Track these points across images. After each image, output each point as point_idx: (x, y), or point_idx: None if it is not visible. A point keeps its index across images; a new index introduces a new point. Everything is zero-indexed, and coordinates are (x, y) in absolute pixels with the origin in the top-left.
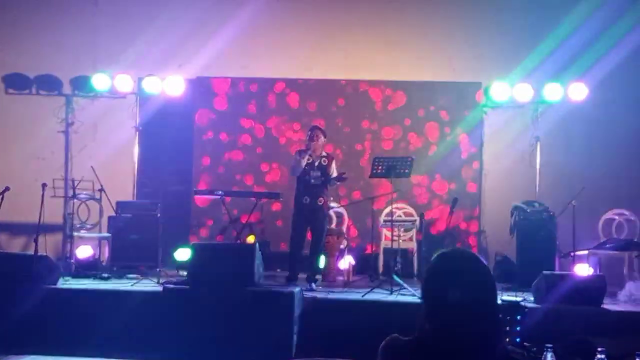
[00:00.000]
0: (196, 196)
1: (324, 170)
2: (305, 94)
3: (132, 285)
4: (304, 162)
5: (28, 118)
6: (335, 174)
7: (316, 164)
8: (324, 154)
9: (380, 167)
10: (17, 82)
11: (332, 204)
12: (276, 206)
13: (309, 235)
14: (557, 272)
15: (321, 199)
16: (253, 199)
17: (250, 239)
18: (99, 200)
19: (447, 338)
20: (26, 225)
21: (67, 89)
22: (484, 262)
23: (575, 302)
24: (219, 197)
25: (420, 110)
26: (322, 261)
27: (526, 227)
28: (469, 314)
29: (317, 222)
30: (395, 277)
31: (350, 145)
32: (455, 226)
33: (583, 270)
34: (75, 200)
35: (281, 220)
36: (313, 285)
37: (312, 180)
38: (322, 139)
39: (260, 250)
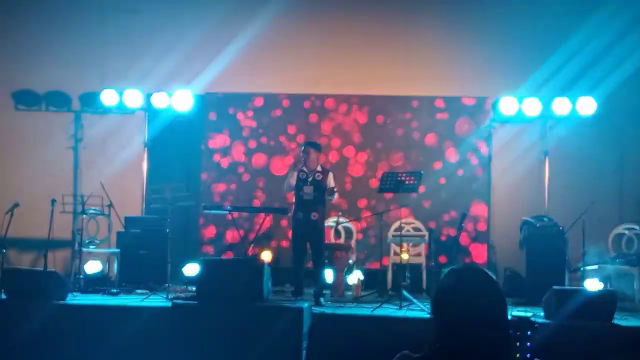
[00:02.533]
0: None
1: (318, 185)
2: (312, 109)
3: (141, 300)
4: (294, 178)
5: (37, 134)
6: (332, 186)
7: (309, 179)
8: (318, 168)
9: (389, 182)
10: (27, 99)
11: (342, 219)
12: (285, 221)
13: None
14: (567, 287)
15: (315, 214)
16: (261, 214)
17: (265, 256)
18: (108, 216)
19: (458, 355)
20: (35, 240)
21: (76, 105)
22: (494, 278)
23: (586, 318)
24: (228, 212)
25: (428, 125)
26: (328, 275)
27: (535, 242)
28: (479, 330)
29: (314, 236)
30: (404, 292)
31: (358, 160)
32: (464, 241)
33: (593, 285)
34: (84, 216)
35: (289, 235)
36: (321, 300)
37: (305, 196)
38: (314, 154)
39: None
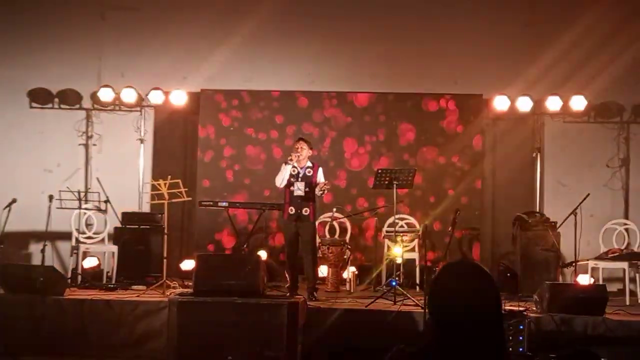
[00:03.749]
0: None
1: (309, 180)
2: (307, 106)
3: (137, 295)
4: (287, 173)
5: (34, 131)
6: (322, 181)
7: (300, 175)
8: (309, 164)
9: (383, 179)
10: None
11: (336, 215)
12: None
13: None
14: (559, 282)
15: (306, 209)
16: (258, 209)
17: (261, 254)
18: (105, 212)
19: (453, 349)
20: (33, 236)
21: (73, 102)
22: (489, 273)
23: (578, 312)
24: (224, 208)
25: (422, 122)
26: (320, 270)
27: (528, 237)
28: (474, 325)
29: (305, 231)
30: (398, 287)
31: (354, 157)
32: (457, 236)
33: (585, 280)
34: (81, 212)
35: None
36: (315, 295)
37: (297, 192)
38: (305, 150)
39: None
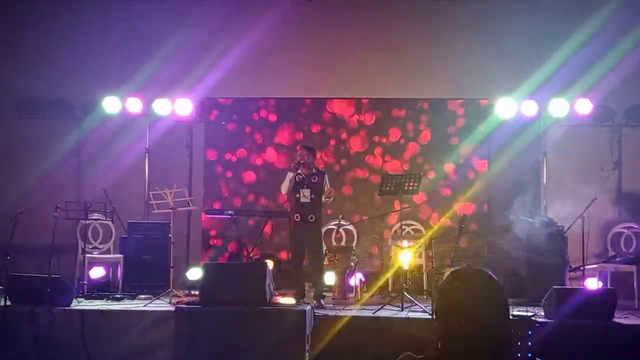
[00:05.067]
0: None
1: (315, 187)
2: (311, 114)
3: (144, 305)
4: (289, 180)
5: (40, 142)
6: (329, 189)
7: (306, 182)
8: (314, 171)
9: (388, 185)
10: (30, 107)
11: (342, 222)
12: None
13: None
14: (567, 286)
15: (312, 216)
16: (263, 218)
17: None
18: (111, 222)
19: (460, 356)
20: (39, 247)
21: (78, 112)
22: (496, 279)
23: (586, 317)
24: (230, 216)
25: (428, 127)
26: (327, 277)
27: (535, 242)
28: (481, 332)
29: (311, 238)
30: (405, 293)
31: (360, 164)
32: (463, 242)
33: (593, 284)
34: (87, 222)
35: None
36: (322, 302)
37: (303, 199)
38: (310, 157)
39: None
